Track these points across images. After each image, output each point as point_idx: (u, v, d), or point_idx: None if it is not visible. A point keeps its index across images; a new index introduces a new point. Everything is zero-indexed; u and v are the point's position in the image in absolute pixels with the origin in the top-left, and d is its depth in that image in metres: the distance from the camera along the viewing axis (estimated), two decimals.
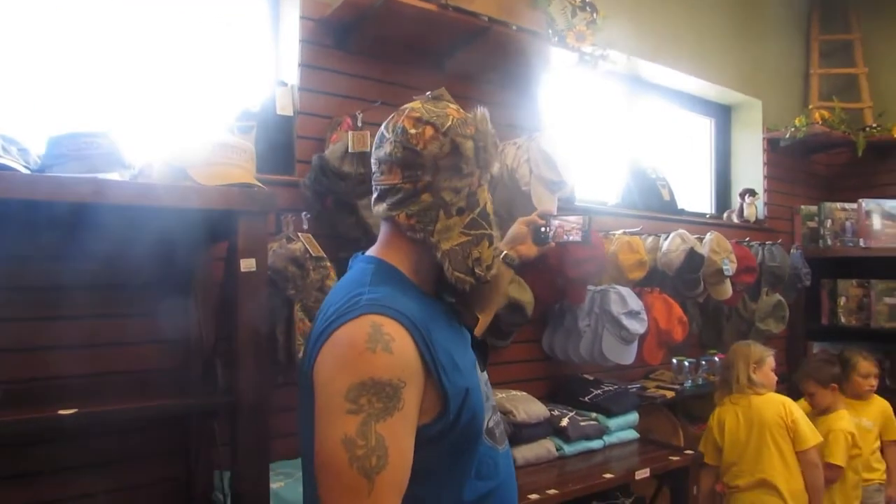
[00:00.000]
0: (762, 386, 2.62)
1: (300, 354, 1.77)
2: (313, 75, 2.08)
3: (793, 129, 3.63)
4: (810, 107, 3.89)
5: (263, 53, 2.17)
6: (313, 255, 1.80)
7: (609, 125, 3.26)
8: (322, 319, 1.04)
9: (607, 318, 2.45)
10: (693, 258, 2.64)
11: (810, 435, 2.53)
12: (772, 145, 3.82)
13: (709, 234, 2.90)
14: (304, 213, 1.88)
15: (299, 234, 1.83)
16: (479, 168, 1.12)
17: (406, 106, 1.14)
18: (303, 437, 1.11)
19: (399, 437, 0.94)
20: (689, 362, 2.96)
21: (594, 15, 2.31)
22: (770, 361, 2.67)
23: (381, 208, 1.14)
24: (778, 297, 3.17)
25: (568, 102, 2.91)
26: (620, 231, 2.73)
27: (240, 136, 1.74)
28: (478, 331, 1.30)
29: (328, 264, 1.85)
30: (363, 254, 1.20)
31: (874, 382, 3.02)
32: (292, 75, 2.08)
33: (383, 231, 1.17)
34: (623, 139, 3.30)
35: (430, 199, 1.08)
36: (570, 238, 1.49)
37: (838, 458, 2.72)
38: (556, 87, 2.68)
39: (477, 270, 1.10)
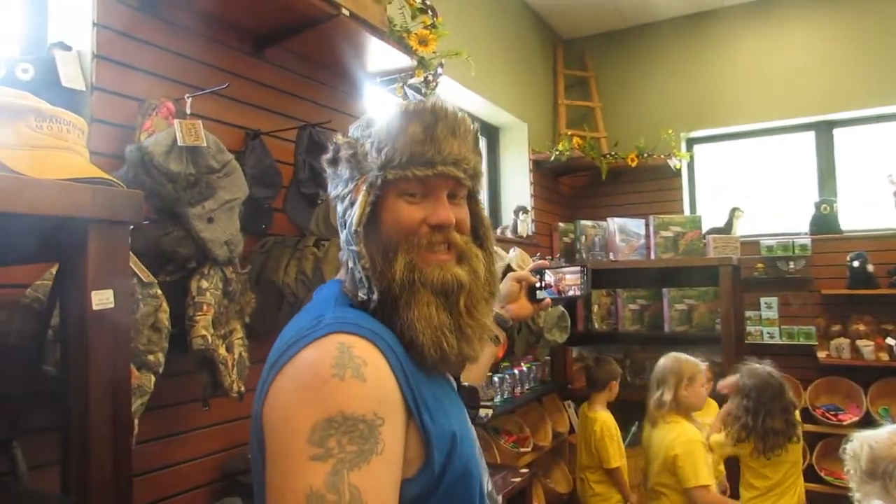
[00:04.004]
0: (692, 406, 2.52)
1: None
2: (115, 42, 1.56)
3: (557, 153, 3.96)
4: (569, 132, 4.29)
5: None
6: (144, 280, 1.33)
7: None
8: (277, 349, 0.83)
9: None
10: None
11: None
12: (536, 166, 4.12)
13: (512, 250, 2.96)
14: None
15: None
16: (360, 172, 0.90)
17: None
18: None
19: (380, 490, 0.72)
20: (498, 377, 2.98)
21: (434, 18, 2.17)
22: (701, 378, 2.54)
23: None
24: (561, 308, 3.38)
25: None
26: None
27: None
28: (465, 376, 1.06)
29: (159, 292, 1.39)
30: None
31: None
32: (81, 37, 1.53)
33: None
34: None
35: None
36: (571, 293, 1.37)
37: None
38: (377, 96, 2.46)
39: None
